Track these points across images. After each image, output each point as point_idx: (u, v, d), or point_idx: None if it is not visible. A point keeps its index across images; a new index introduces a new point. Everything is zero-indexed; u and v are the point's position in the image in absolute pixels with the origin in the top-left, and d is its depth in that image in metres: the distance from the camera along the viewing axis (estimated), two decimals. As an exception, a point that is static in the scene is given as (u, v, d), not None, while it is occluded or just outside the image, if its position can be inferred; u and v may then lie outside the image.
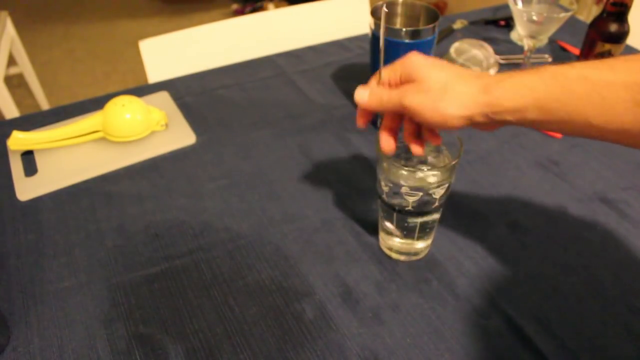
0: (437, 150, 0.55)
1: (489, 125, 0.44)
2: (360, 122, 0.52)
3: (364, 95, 0.49)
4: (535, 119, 0.41)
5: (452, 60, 0.91)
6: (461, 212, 0.65)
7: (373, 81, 0.50)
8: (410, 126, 0.50)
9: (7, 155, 0.72)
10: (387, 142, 0.50)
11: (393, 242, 0.58)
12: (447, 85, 0.44)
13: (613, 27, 0.74)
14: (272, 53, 0.97)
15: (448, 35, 1.03)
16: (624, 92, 0.38)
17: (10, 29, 1.81)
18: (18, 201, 0.66)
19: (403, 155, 0.55)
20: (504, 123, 0.43)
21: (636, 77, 0.38)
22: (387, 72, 0.49)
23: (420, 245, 0.58)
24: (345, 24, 1.06)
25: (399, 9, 0.72)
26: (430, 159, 0.54)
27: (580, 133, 0.41)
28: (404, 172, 0.52)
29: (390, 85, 0.49)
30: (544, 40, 0.99)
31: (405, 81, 0.47)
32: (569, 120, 0.40)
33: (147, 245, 0.61)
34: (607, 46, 0.75)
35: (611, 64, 0.39)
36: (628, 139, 0.39)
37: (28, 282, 0.57)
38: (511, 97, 0.41)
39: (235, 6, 3.11)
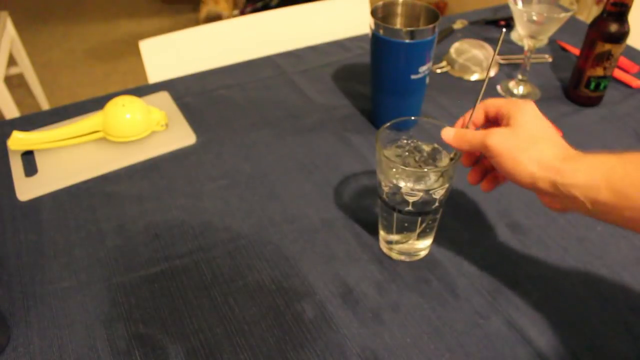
0: (437, 151, 0.55)
1: (555, 200, 0.44)
2: (466, 163, 0.53)
3: (449, 134, 0.49)
4: (607, 201, 0.39)
5: (452, 61, 0.92)
6: (461, 212, 0.64)
7: (460, 120, 0.51)
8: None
9: (7, 155, 0.72)
10: (472, 176, 0.52)
11: (393, 242, 0.58)
12: (535, 142, 0.43)
13: (613, 27, 0.74)
14: (272, 53, 0.97)
15: (448, 35, 1.03)
16: None
17: (10, 29, 1.81)
18: (18, 201, 0.66)
19: (403, 156, 0.55)
20: (572, 204, 0.41)
21: None
22: (496, 102, 0.49)
23: (420, 245, 0.58)
24: (345, 24, 1.06)
25: (399, 9, 0.72)
26: (430, 159, 0.54)
27: None
28: (404, 173, 0.52)
29: (486, 114, 0.50)
30: (544, 40, 0.99)
31: (498, 118, 0.48)
32: None
33: (147, 245, 0.61)
34: (607, 46, 0.75)
35: None
36: None
37: (28, 282, 0.57)
38: (585, 172, 0.40)
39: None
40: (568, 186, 0.40)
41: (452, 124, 0.52)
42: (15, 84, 2.24)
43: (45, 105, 2.09)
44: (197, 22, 3.03)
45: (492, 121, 0.50)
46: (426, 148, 0.54)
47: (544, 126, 0.45)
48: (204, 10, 2.92)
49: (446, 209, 0.64)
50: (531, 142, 0.43)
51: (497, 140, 0.44)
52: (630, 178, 0.38)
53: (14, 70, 1.98)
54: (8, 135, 0.71)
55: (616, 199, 0.38)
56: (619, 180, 0.38)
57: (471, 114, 0.50)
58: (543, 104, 0.83)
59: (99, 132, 0.74)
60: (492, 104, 0.49)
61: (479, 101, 0.49)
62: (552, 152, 0.43)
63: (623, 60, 0.92)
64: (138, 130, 0.73)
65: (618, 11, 0.73)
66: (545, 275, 0.57)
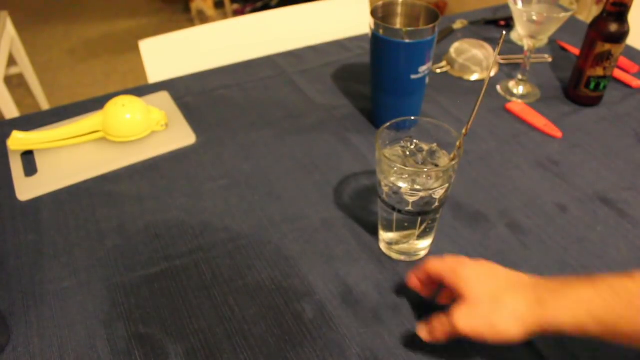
0: (437, 151, 0.55)
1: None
2: (426, 293, 0.52)
3: (423, 332, 0.48)
4: (598, 334, 0.39)
5: (452, 61, 0.92)
6: (461, 212, 0.65)
7: (414, 277, 0.51)
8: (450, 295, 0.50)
9: (7, 155, 0.72)
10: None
11: (393, 243, 0.58)
12: (498, 299, 0.43)
13: (613, 27, 0.74)
14: (272, 53, 0.97)
15: (448, 35, 1.03)
16: None
17: (10, 29, 1.81)
18: (18, 201, 0.66)
19: (403, 156, 0.55)
20: (562, 333, 0.42)
21: None
22: (436, 269, 0.48)
23: (420, 245, 0.58)
24: (345, 24, 1.06)
25: (399, 9, 0.72)
26: (430, 159, 0.54)
27: None
28: (404, 173, 0.52)
29: (431, 276, 0.49)
30: (544, 40, 0.99)
31: (450, 287, 0.47)
32: (636, 336, 0.38)
33: (147, 245, 0.61)
34: (607, 46, 0.75)
35: None
36: None
37: (28, 282, 0.57)
38: (568, 314, 0.40)
39: (235, 6, 3.11)
40: (558, 328, 0.41)
41: (452, 124, 0.52)
42: (15, 84, 2.24)
43: (45, 105, 2.09)
44: (196, 22, 3.04)
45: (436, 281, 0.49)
46: (426, 148, 0.54)
47: (490, 276, 0.45)
48: (194, 8, 2.97)
49: (446, 209, 0.64)
50: (495, 305, 0.43)
51: (465, 323, 0.43)
52: (615, 311, 0.39)
53: (13, 70, 1.98)
54: (8, 135, 0.71)
55: (606, 331, 0.39)
56: (603, 315, 0.39)
57: (471, 115, 0.50)
58: (543, 104, 0.83)
59: (99, 132, 0.74)
60: (433, 271, 0.49)
61: (479, 101, 0.49)
62: (520, 303, 0.42)
63: (623, 60, 0.92)
64: (138, 130, 0.73)
65: (618, 11, 0.73)
66: (545, 275, 0.57)
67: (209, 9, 2.89)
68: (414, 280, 0.51)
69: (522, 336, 0.42)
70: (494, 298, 0.43)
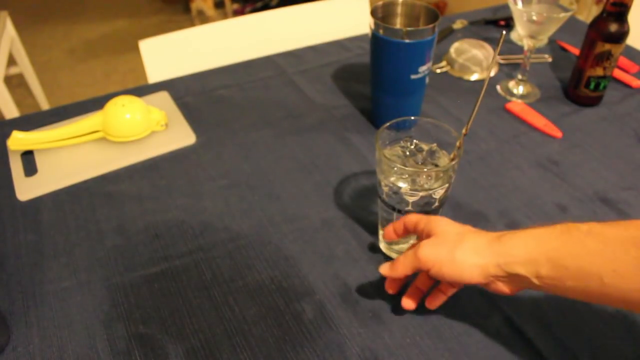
0: (437, 151, 0.55)
1: (505, 283, 0.44)
2: (390, 290, 0.53)
3: (385, 267, 0.50)
4: (548, 274, 0.40)
5: (452, 61, 0.92)
6: (461, 212, 0.64)
7: (391, 227, 0.52)
8: (426, 280, 0.51)
9: (7, 155, 0.72)
10: (406, 302, 0.51)
11: (393, 243, 0.58)
12: (463, 236, 0.45)
13: (613, 27, 0.74)
14: (272, 53, 0.97)
15: (448, 35, 1.03)
16: (634, 250, 0.37)
17: (10, 29, 1.81)
18: (18, 201, 0.66)
19: (403, 156, 0.55)
20: (520, 282, 0.43)
21: None
22: (413, 219, 0.50)
23: (420, 245, 0.58)
24: (345, 24, 1.06)
25: (399, 9, 0.72)
26: (430, 159, 0.54)
27: (598, 296, 0.39)
28: (404, 173, 0.52)
29: (407, 228, 0.51)
30: (544, 40, 0.99)
31: (417, 233, 0.50)
32: (582, 276, 0.39)
33: (147, 245, 0.61)
34: (607, 46, 0.75)
35: (625, 223, 0.39)
36: None
37: (28, 282, 0.57)
38: (522, 247, 0.42)
39: (235, 6, 3.11)
40: (511, 264, 0.42)
41: (452, 124, 0.52)
42: (15, 84, 2.24)
43: (45, 105, 2.09)
44: (196, 22, 3.04)
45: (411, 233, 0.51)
46: (426, 148, 0.55)
47: (461, 226, 0.47)
48: (194, 8, 2.98)
49: (446, 209, 0.64)
50: (459, 240, 0.45)
51: (427, 250, 0.45)
52: (565, 248, 0.40)
53: (14, 70, 1.98)
54: (8, 135, 0.71)
55: (557, 271, 0.40)
56: (554, 251, 0.40)
57: (471, 115, 0.50)
58: (543, 104, 0.83)
59: (99, 132, 0.74)
60: (409, 220, 0.50)
61: (479, 101, 0.49)
62: (482, 239, 0.44)
63: (623, 60, 0.92)
64: (138, 130, 0.73)
65: (618, 11, 0.73)
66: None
67: (209, 9, 2.90)
68: (390, 232, 0.52)
69: (479, 272, 0.43)
70: (459, 235, 0.45)
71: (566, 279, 0.40)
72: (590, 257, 0.38)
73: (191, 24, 2.89)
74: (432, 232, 0.47)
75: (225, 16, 2.91)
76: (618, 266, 0.37)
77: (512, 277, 0.43)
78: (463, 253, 0.44)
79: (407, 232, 0.51)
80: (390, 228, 0.52)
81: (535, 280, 0.41)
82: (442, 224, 0.47)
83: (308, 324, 0.52)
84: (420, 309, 0.53)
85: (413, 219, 0.50)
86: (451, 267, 0.44)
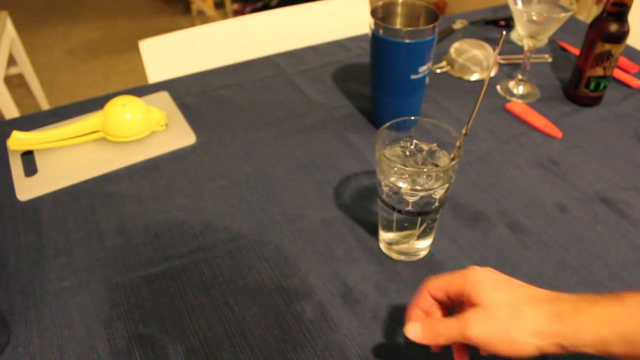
0: (437, 151, 0.55)
1: (562, 353, 0.39)
2: (435, 349, 0.45)
3: (417, 331, 0.43)
4: (621, 353, 0.37)
5: (452, 61, 0.92)
6: (461, 212, 0.65)
7: (416, 309, 0.45)
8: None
9: (7, 155, 0.72)
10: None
11: (393, 243, 0.58)
12: (518, 311, 0.39)
13: (613, 27, 0.74)
14: (272, 53, 0.97)
15: (448, 35, 1.03)
16: None
17: (10, 29, 1.81)
18: (18, 201, 0.66)
19: (403, 156, 0.55)
20: (581, 353, 0.38)
21: None
22: (439, 284, 0.43)
23: (420, 245, 0.58)
24: (345, 24, 1.06)
25: (399, 9, 0.72)
26: (430, 159, 0.54)
27: None
28: (404, 173, 0.52)
29: (435, 298, 0.44)
30: (544, 40, 0.99)
31: (460, 298, 0.42)
32: None
33: (147, 245, 0.61)
34: (607, 46, 0.75)
35: None
36: None
37: (28, 282, 0.57)
38: (593, 330, 0.37)
39: (235, 6, 3.11)
40: (577, 347, 0.38)
41: (452, 124, 0.52)
42: (15, 84, 2.24)
43: (45, 105, 2.09)
44: (196, 22, 3.04)
45: (444, 301, 0.44)
46: (426, 148, 0.54)
47: (509, 286, 0.41)
48: (194, 8, 2.99)
49: (446, 209, 0.64)
50: (514, 315, 0.39)
51: (478, 329, 0.39)
52: None
53: (13, 70, 1.98)
54: (8, 135, 0.71)
55: (631, 350, 0.37)
56: (631, 332, 0.36)
57: (471, 115, 0.50)
58: (543, 104, 0.83)
59: (99, 132, 0.74)
60: (436, 288, 0.43)
61: (479, 101, 0.49)
62: (541, 316, 0.38)
63: (623, 60, 0.92)
64: (138, 130, 0.73)
65: (618, 11, 0.73)
66: (545, 275, 0.57)
67: (209, 9, 2.90)
68: (415, 314, 0.45)
69: (536, 352, 0.39)
70: (513, 307, 0.39)
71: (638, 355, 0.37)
72: None
73: (191, 24, 2.89)
74: (478, 301, 0.40)
75: (225, 16, 2.91)
76: None
77: (574, 353, 0.39)
78: (521, 334, 0.38)
79: (438, 301, 0.44)
80: (415, 312, 0.45)
81: (602, 356, 0.38)
82: (486, 290, 0.40)
83: (308, 324, 0.52)
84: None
85: (440, 284, 0.43)
86: (507, 347, 0.38)
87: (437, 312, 0.45)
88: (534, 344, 0.38)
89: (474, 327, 0.39)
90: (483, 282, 0.41)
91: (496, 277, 0.42)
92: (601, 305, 0.38)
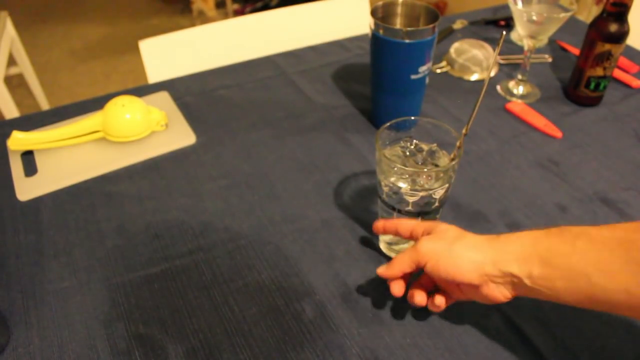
0: (437, 151, 0.55)
1: (498, 285, 0.44)
2: (396, 291, 0.50)
3: (382, 267, 0.50)
4: (539, 273, 0.41)
5: (452, 61, 0.92)
6: (461, 212, 0.64)
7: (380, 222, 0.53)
8: (428, 282, 0.51)
9: (7, 155, 0.72)
10: (395, 286, 0.50)
11: (393, 243, 0.58)
12: (463, 234, 0.46)
13: (613, 27, 0.74)
14: (272, 53, 0.97)
15: (448, 35, 1.03)
16: (618, 249, 0.38)
17: (10, 29, 1.81)
18: (18, 201, 0.66)
19: (403, 156, 0.55)
20: (513, 284, 0.43)
21: (632, 235, 0.38)
22: (400, 229, 0.51)
23: (420, 245, 0.58)
24: (345, 24, 1.06)
25: (399, 9, 0.72)
26: (430, 159, 0.54)
27: (587, 299, 0.40)
28: (404, 173, 0.52)
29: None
30: (544, 40, 0.99)
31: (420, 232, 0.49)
32: (571, 276, 0.39)
33: (147, 245, 0.61)
34: (607, 46, 0.75)
35: (614, 225, 0.40)
36: (632, 306, 0.38)
37: (28, 282, 0.57)
38: (517, 245, 0.43)
39: (235, 6, 3.11)
40: (506, 262, 0.42)
41: (452, 124, 0.52)
42: (15, 84, 2.24)
43: (45, 105, 2.09)
44: (196, 22, 3.04)
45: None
46: (426, 148, 0.55)
47: (461, 229, 0.48)
48: (195, 9, 3.00)
49: (446, 209, 0.64)
50: (458, 236, 0.46)
51: (427, 244, 0.46)
52: (556, 248, 0.41)
53: (13, 70, 1.98)
54: (8, 135, 0.71)
55: (547, 271, 0.40)
56: (545, 250, 0.41)
57: (471, 115, 0.50)
58: (543, 104, 0.83)
59: (99, 132, 0.74)
60: (404, 227, 0.51)
61: (479, 101, 0.49)
62: (481, 237, 0.45)
63: (623, 60, 0.92)
64: (138, 130, 0.73)
65: (618, 11, 0.73)
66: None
67: (210, 10, 2.91)
68: (378, 227, 0.53)
69: (475, 271, 0.43)
70: (460, 232, 0.47)
71: (556, 279, 0.40)
72: (578, 256, 0.39)
73: (191, 24, 2.89)
74: (432, 230, 0.48)
75: (225, 16, 2.92)
76: (604, 266, 0.38)
77: (505, 278, 0.43)
78: (461, 247, 0.45)
79: (396, 235, 0.52)
80: (380, 223, 0.53)
81: (527, 281, 0.41)
82: (441, 224, 0.48)
83: (308, 324, 0.52)
84: (420, 310, 0.54)
85: (408, 226, 0.50)
86: (448, 261, 0.44)
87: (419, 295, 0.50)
88: (471, 260, 0.44)
89: (424, 243, 0.46)
90: (442, 223, 0.49)
91: (445, 236, 0.47)
92: (530, 230, 0.44)
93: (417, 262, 0.46)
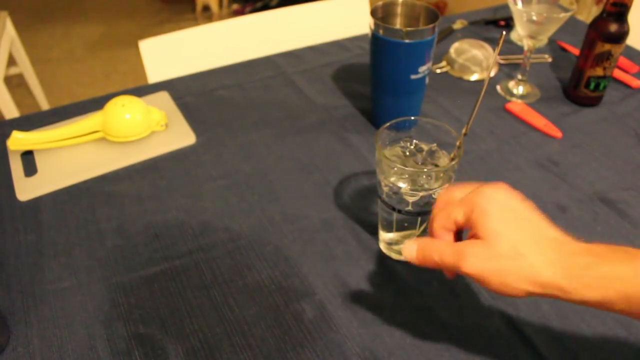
0: (437, 151, 0.55)
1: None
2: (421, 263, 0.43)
3: (412, 252, 0.42)
4: (622, 310, 0.36)
5: (452, 61, 0.92)
6: (461, 212, 0.64)
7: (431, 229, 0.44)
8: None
9: (7, 155, 0.72)
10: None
11: (393, 243, 0.58)
12: (520, 252, 0.37)
13: (613, 27, 0.74)
14: (272, 53, 0.97)
15: (448, 35, 1.03)
16: None
17: (10, 29, 1.81)
18: (18, 201, 0.66)
19: (403, 156, 0.55)
20: (558, 296, 0.37)
21: None
22: (447, 214, 0.42)
23: (420, 245, 0.58)
24: (345, 24, 1.06)
25: (399, 9, 0.72)
26: (430, 159, 0.54)
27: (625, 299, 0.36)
28: (404, 173, 0.52)
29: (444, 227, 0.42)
30: (544, 40, 0.99)
31: (468, 224, 0.41)
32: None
33: (147, 245, 0.61)
34: (607, 46, 0.75)
35: None
36: None
37: (28, 282, 0.57)
38: (597, 291, 0.36)
39: (235, 6, 3.12)
40: (576, 302, 0.37)
41: (452, 124, 0.52)
42: (15, 84, 2.24)
43: (45, 105, 2.09)
44: (196, 22, 3.04)
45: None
46: (426, 148, 0.55)
47: (517, 219, 0.39)
48: (199, 3, 3.00)
49: (446, 209, 0.64)
50: (514, 256, 0.37)
51: (473, 264, 0.38)
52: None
53: (13, 70, 1.98)
54: (8, 135, 0.71)
55: (631, 308, 0.36)
56: (634, 292, 0.35)
57: (471, 115, 0.50)
58: (543, 104, 0.83)
59: (99, 132, 0.74)
60: (445, 217, 0.42)
61: (479, 101, 0.49)
62: (544, 265, 0.37)
63: (623, 60, 0.92)
64: (138, 130, 0.73)
65: (618, 11, 0.73)
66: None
67: (214, 4, 2.92)
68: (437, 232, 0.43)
69: (527, 295, 0.38)
70: (514, 248, 0.37)
71: (637, 313, 0.36)
72: None
73: (191, 23, 2.90)
74: (481, 234, 0.39)
75: (225, 16, 2.92)
76: None
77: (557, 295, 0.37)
78: (517, 280, 0.37)
79: (458, 227, 0.42)
80: (437, 227, 0.43)
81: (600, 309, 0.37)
82: (494, 221, 0.38)
83: (308, 324, 0.52)
84: (420, 309, 0.54)
85: (454, 215, 0.41)
86: (500, 287, 0.38)
87: (445, 236, 0.43)
88: (526, 291, 0.37)
89: (469, 262, 0.38)
90: (491, 213, 0.39)
91: (507, 205, 0.39)
92: (610, 263, 0.36)
93: (459, 273, 0.40)
